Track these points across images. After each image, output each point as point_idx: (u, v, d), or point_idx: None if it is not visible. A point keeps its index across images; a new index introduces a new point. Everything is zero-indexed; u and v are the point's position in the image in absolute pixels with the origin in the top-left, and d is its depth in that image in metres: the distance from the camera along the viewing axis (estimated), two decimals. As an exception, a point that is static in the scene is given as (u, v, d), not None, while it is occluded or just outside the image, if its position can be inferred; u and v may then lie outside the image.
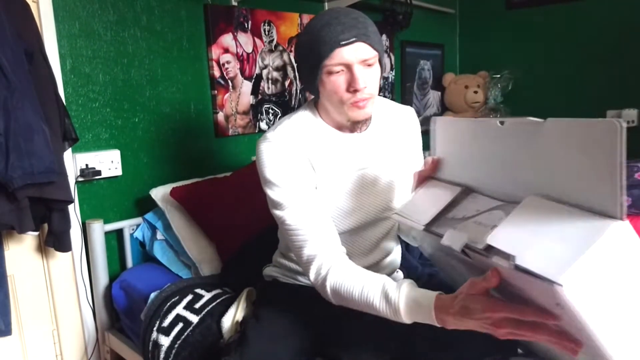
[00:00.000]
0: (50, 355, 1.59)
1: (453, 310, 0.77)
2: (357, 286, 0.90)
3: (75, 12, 1.56)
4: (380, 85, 1.08)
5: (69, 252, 1.52)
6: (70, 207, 1.44)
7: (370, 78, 1.01)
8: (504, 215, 0.76)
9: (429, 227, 0.86)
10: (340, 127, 1.11)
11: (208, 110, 1.96)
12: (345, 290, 0.92)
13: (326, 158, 1.09)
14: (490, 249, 0.71)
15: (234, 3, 1.98)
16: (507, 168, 0.80)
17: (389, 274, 1.22)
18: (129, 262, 1.75)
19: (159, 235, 1.69)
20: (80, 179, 1.58)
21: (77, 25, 1.57)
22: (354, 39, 0.97)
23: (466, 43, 3.29)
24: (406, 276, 1.27)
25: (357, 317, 0.96)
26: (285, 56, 2.18)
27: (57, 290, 1.57)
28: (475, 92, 2.97)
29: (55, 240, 1.41)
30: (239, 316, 1.27)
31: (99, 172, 1.62)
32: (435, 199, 0.91)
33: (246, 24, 2.02)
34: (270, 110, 2.16)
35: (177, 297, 1.39)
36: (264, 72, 2.11)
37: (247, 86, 2.05)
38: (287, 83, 2.21)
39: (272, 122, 2.17)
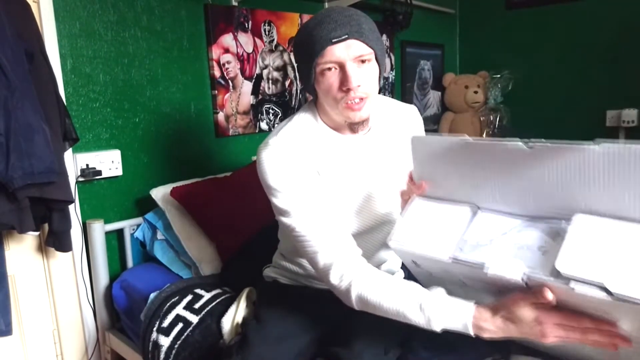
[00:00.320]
0: (50, 355, 1.59)
1: (495, 322, 0.77)
2: (387, 296, 0.88)
3: (76, 12, 1.57)
4: (380, 85, 1.06)
5: (70, 252, 1.52)
6: (71, 207, 1.44)
7: (365, 77, 0.98)
8: (544, 234, 0.73)
9: (456, 257, 0.80)
10: (341, 128, 1.09)
11: (208, 110, 1.96)
12: (373, 300, 0.90)
13: (330, 161, 1.07)
14: (558, 274, 0.68)
15: (234, 3, 1.98)
16: (514, 184, 0.77)
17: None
18: (129, 262, 1.75)
19: (159, 235, 1.69)
20: (80, 179, 1.58)
21: (77, 25, 1.57)
22: (345, 36, 0.95)
23: (466, 43, 3.29)
24: (407, 277, 1.27)
25: (358, 318, 0.96)
26: (285, 56, 2.19)
27: (57, 290, 1.57)
28: (476, 92, 2.97)
29: (55, 240, 1.41)
30: (239, 316, 1.27)
31: (99, 172, 1.62)
32: (439, 221, 0.85)
33: (246, 24, 2.02)
34: (270, 111, 2.16)
35: (177, 297, 1.39)
36: (264, 72, 2.11)
37: (247, 86, 2.05)
38: (287, 83, 2.21)
39: (272, 122, 2.17)
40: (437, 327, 0.83)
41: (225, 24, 1.94)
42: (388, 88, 2.79)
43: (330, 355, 1.02)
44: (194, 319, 1.32)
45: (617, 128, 2.71)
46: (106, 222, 1.66)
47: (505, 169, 0.77)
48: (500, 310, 0.77)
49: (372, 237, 1.15)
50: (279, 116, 2.19)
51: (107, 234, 1.67)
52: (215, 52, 1.92)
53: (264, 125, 2.14)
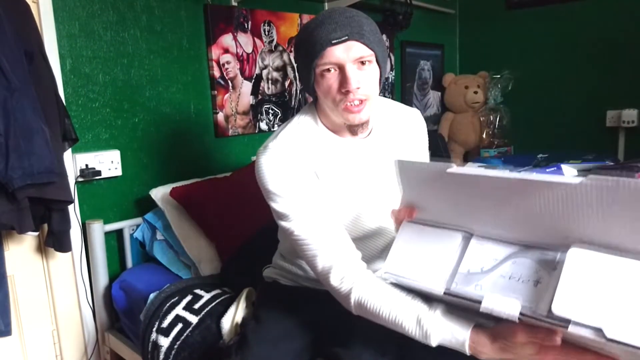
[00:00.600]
0: (50, 355, 1.59)
1: (492, 348, 0.77)
2: (386, 306, 0.88)
3: (75, 12, 1.56)
4: (381, 87, 1.05)
5: (69, 253, 1.52)
6: (70, 208, 1.44)
7: (365, 79, 0.98)
8: (538, 265, 0.72)
9: (449, 289, 0.79)
10: (341, 131, 1.08)
11: (208, 110, 1.96)
12: (372, 307, 0.89)
13: (330, 165, 1.07)
14: (554, 315, 0.67)
15: (234, 3, 1.98)
16: (506, 212, 0.76)
17: None
18: (129, 263, 1.75)
19: (159, 236, 1.69)
20: (80, 179, 1.58)
21: (77, 25, 1.57)
22: (345, 37, 0.94)
23: (466, 43, 3.29)
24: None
25: (357, 319, 0.96)
26: (285, 56, 2.18)
27: (57, 291, 1.57)
28: (476, 92, 2.97)
29: (55, 240, 1.41)
30: (239, 317, 1.27)
31: (99, 173, 1.62)
32: (431, 249, 0.83)
33: (246, 24, 2.02)
34: (270, 111, 2.16)
35: (177, 298, 1.39)
36: (264, 72, 2.11)
37: (247, 86, 2.05)
38: (287, 83, 2.21)
39: (272, 123, 2.17)
40: (434, 343, 0.82)
41: (225, 24, 1.94)
42: (388, 88, 2.79)
43: (330, 355, 1.02)
44: (193, 319, 1.32)
45: (617, 128, 2.71)
46: (106, 222, 1.66)
47: (496, 198, 0.75)
48: (498, 339, 0.76)
49: (371, 242, 1.15)
50: (278, 116, 2.19)
51: (107, 234, 1.67)
52: (215, 52, 1.92)
53: (263, 126, 2.14)
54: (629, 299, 0.63)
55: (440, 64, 3.18)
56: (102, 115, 1.66)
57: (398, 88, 2.89)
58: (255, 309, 1.24)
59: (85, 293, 1.63)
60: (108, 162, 1.65)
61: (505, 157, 2.61)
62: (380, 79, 1.03)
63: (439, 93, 3.17)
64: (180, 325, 1.31)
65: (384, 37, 2.69)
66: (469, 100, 2.99)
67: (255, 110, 2.10)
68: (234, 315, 1.27)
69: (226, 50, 1.96)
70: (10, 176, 1.17)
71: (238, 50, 2.00)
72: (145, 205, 1.77)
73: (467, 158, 3.08)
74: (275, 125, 2.17)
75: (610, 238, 0.67)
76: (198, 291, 1.42)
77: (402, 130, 1.17)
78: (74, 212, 1.53)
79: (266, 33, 2.10)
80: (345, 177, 1.08)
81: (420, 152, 1.22)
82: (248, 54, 2.04)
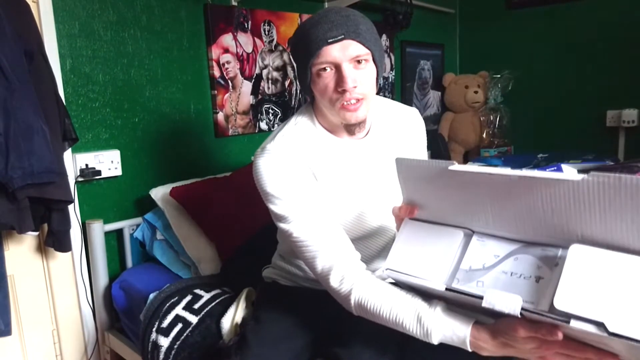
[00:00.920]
0: (50, 355, 1.59)
1: (493, 344, 0.77)
2: (386, 305, 0.88)
3: (75, 12, 1.56)
4: (379, 85, 1.05)
5: (69, 252, 1.52)
6: (70, 207, 1.44)
7: (362, 78, 0.98)
8: (539, 261, 0.73)
9: (450, 286, 0.79)
10: (338, 130, 1.09)
11: (208, 110, 1.96)
12: (372, 307, 0.89)
13: (328, 166, 1.07)
14: (556, 310, 0.67)
15: (234, 3, 1.97)
16: (507, 209, 0.76)
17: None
18: (129, 262, 1.75)
19: (159, 235, 1.69)
20: (80, 179, 1.58)
21: (77, 25, 1.57)
22: (341, 36, 0.94)
23: (466, 43, 3.29)
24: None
25: (357, 318, 0.96)
26: (285, 56, 2.18)
27: (57, 290, 1.57)
28: (476, 92, 2.97)
29: (55, 240, 1.41)
30: (239, 317, 1.27)
31: (99, 172, 1.62)
32: (432, 246, 0.84)
33: (246, 24, 2.02)
34: (270, 110, 2.16)
35: (177, 298, 1.39)
36: (264, 72, 2.11)
37: (247, 86, 2.04)
38: (287, 83, 2.21)
39: (272, 122, 2.17)
40: (435, 341, 0.83)
41: (225, 23, 1.94)
42: (388, 88, 2.79)
43: (329, 355, 1.02)
44: (193, 319, 1.32)
45: (617, 128, 2.71)
46: (106, 222, 1.66)
47: (497, 196, 0.76)
48: (499, 335, 0.76)
49: (370, 242, 1.15)
50: (278, 116, 2.19)
51: (107, 234, 1.67)
52: (215, 52, 1.92)
53: (263, 125, 2.14)
54: (630, 294, 0.64)
55: (441, 63, 3.18)
56: (102, 115, 1.66)
57: (398, 88, 2.89)
58: (255, 309, 1.24)
59: (85, 293, 1.63)
60: (108, 162, 1.65)
61: (505, 157, 2.61)
62: (377, 78, 1.03)
63: (439, 93, 3.17)
64: (180, 325, 1.31)
65: (384, 36, 2.69)
66: (469, 100, 2.99)
67: (255, 110, 2.10)
68: (234, 315, 1.27)
69: (226, 50, 1.96)
70: (10, 176, 1.17)
71: (238, 50, 2.00)
72: (145, 205, 1.77)
73: (467, 158, 3.08)
74: (275, 125, 2.17)
75: (612, 235, 0.67)
76: (198, 291, 1.42)
77: (400, 129, 1.17)
78: (74, 212, 1.53)
79: (266, 33, 2.10)
80: (343, 177, 1.08)
81: (418, 151, 1.22)
82: (248, 54, 2.04)
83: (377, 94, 1.07)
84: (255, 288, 1.33)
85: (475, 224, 0.82)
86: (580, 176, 0.66)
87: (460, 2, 3.24)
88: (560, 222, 0.71)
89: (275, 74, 2.16)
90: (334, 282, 0.95)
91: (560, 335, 0.69)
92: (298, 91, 2.26)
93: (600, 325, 0.63)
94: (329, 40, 0.95)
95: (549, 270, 0.73)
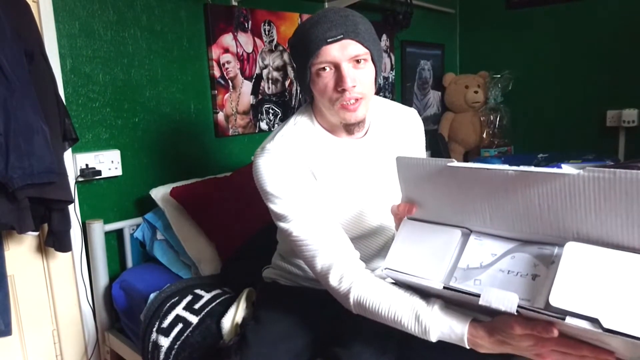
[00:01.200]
0: (50, 355, 1.59)
1: (490, 341, 0.77)
2: (384, 303, 0.88)
3: (75, 12, 1.56)
4: (379, 85, 1.05)
5: (69, 252, 1.52)
6: (70, 207, 1.44)
7: (361, 77, 0.98)
8: (535, 259, 0.73)
9: (448, 284, 0.80)
10: (337, 130, 1.09)
11: (208, 110, 1.96)
12: (370, 306, 0.90)
13: (327, 166, 1.07)
14: (551, 307, 0.68)
15: (234, 3, 1.97)
16: (504, 207, 0.76)
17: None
18: (129, 262, 1.75)
19: (159, 235, 1.69)
20: (80, 179, 1.58)
21: (77, 25, 1.57)
22: (340, 36, 0.95)
23: (466, 43, 3.29)
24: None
25: (357, 318, 0.96)
26: (285, 56, 2.18)
27: (57, 290, 1.57)
28: (476, 92, 2.97)
29: (55, 240, 1.41)
30: (239, 317, 1.27)
31: (99, 172, 1.62)
32: (431, 245, 0.85)
33: (246, 24, 2.02)
34: (270, 110, 2.16)
35: (177, 298, 1.39)
36: (264, 72, 2.11)
37: (247, 86, 2.04)
38: (287, 83, 2.21)
39: (272, 122, 2.17)
40: (433, 338, 0.83)
41: (225, 23, 1.94)
42: (388, 88, 2.79)
43: (329, 355, 1.02)
44: (193, 319, 1.31)
45: (617, 128, 2.71)
46: (106, 222, 1.66)
47: (494, 193, 0.76)
48: (496, 332, 0.76)
49: (369, 241, 1.15)
50: (278, 116, 2.19)
51: (107, 234, 1.67)
52: (215, 52, 1.92)
53: (263, 125, 2.14)
54: (625, 291, 0.64)
55: (441, 63, 3.18)
56: (102, 115, 1.66)
57: (398, 88, 2.89)
58: (255, 310, 1.24)
59: (86, 293, 1.63)
60: (108, 162, 1.65)
61: (505, 157, 2.61)
62: (375, 78, 1.03)
63: (439, 93, 3.17)
64: (180, 325, 1.31)
65: (384, 36, 2.69)
66: (469, 100, 2.99)
67: (255, 110, 2.10)
68: (234, 315, 1.27)
69: (226, 50, 1.96)
70: (10, 176, 1.17)
71: (238, 50, 2.00)
72: (145, 205, 1.77)
73: (467, 158, 3.08)
74: (276, 125, 2.17)
75: (607, 231, 0.68)
76: (198, 291, 1.42)
77: (399, 129, 1.17)
78: (74, 212, 1.53)
79: (266, 33, 2.10)
80: (343, 177, 1.08)
81: (417, 151, 1.22)
82: (248, 54, 2.04)
83: (377, 93, 1.07)
84: (256, 288, 1.34)
85: (473, 223, 0.83)
86: (577, 171, 0.67)
87: (460, 2, 3.24)
88: (557, 219, 0.72)
89: (275, 74, 2.16)
90: (333, 280, 0.95)
91: (555, 332, 0.69)
92: (298, 91, 2.26)
93: (595, 321, 0.64)
94: (328, 40, 0.95)
95: (545, 268, 0.73)
